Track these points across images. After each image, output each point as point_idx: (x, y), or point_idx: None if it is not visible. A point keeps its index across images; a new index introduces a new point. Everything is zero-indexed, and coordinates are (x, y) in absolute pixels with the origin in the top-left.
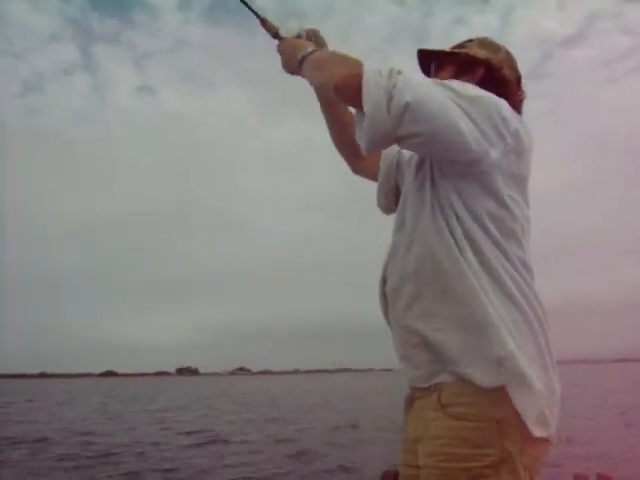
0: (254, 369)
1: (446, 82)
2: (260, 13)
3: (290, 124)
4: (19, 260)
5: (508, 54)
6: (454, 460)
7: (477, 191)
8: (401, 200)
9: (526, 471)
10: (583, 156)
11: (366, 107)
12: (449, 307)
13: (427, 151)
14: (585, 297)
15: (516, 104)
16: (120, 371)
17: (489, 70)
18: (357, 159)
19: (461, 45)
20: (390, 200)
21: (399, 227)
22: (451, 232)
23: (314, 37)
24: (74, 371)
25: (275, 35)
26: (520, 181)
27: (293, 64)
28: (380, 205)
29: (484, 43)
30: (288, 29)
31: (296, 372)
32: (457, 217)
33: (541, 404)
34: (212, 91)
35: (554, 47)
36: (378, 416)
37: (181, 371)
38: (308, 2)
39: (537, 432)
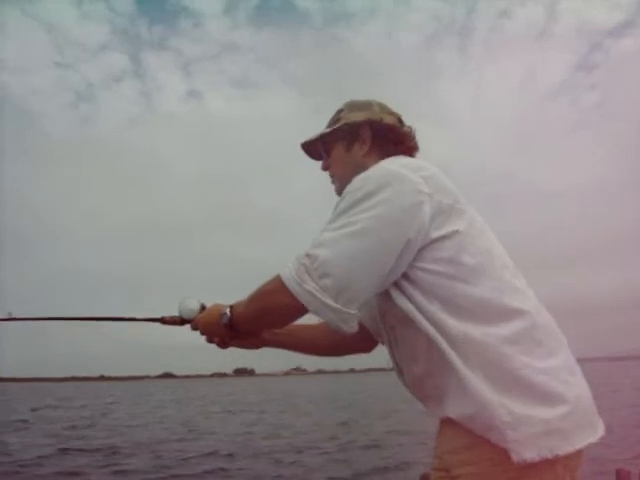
0: (310, 369)
1: (347, 216)
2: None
3: None
4: (74, 264)
5: (379, 103)
6: (494, 464)
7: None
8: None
9: (566, 468)
10: (633, 149)
11: (320, 317)
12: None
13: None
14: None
15: (408, 141)
16: (177, 373)
17: (373, 127)
18: (366, 346)
19: (336, 119)
20: None
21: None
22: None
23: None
24: (133, 374)
25: (182, 321)
26: (457, 207)
27: (221, 335)
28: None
29: (354, 105)
30: (189, 309)
31: (352, 371)
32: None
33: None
34: (259, 94)
35: (602, 37)
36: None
37: (238, 372)
38: (352, 3)
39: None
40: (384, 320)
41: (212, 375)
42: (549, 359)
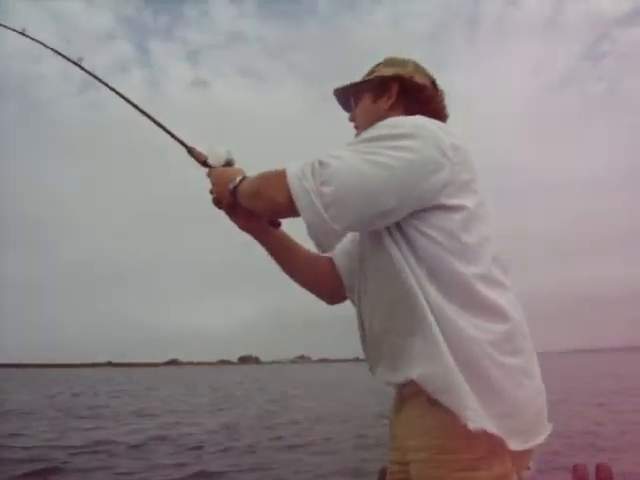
0: (313, 357)
1: (373, 136)
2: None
3: (344, 115)
4: (84, 252)
5: (416, 64)
6: (446, 452)
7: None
8: (358, 273)
9: (513, 464)
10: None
11: (303, 215)
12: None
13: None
14: None
15: (437, 105)
16: (184, 360)
17: (402, 83)
18: (334, 297)
19: (371, 71)
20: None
21: (362, 295)
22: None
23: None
24: (139, 360)
25: (204, 164)
26: (472, 186)
27: (225, 195)
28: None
29: (391, 62)
30: (217, 155)
31: (356, 360)
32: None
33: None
34: (266, 83)
35: (609, 26)
36: None
37: (243, 359)
38: None
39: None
40: (361, 267)
41: (217, 362)
42: (511, 357)
